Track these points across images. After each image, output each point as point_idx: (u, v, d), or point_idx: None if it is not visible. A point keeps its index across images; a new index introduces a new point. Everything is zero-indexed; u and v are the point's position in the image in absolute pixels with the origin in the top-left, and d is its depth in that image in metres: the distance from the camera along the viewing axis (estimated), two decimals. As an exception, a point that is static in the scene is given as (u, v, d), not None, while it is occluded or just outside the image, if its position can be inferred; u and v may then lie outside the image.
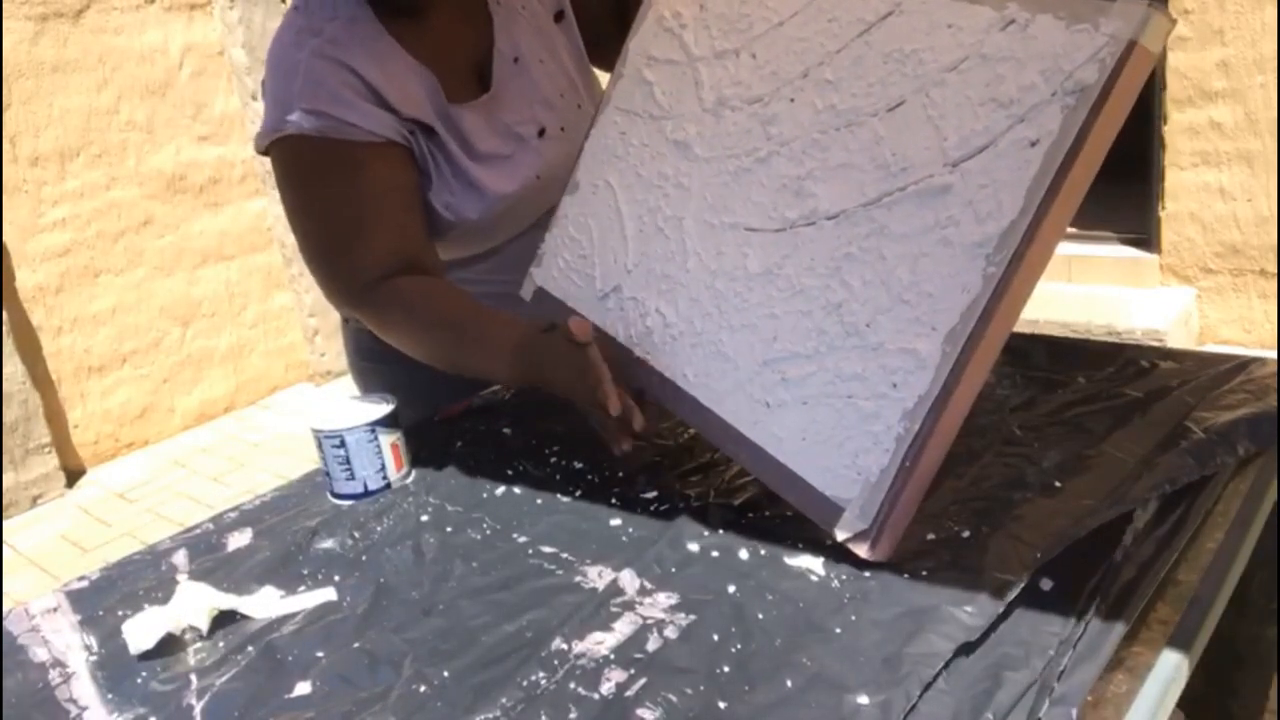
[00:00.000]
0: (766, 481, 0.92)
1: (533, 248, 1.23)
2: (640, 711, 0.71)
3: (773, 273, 0.95)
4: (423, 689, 0.77)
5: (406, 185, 1.17)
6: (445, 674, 0.78)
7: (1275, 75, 2.97)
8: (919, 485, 0.83)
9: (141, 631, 0.85)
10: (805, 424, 0.89)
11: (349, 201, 1.14)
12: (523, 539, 0.97)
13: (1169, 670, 0.71)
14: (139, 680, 0.83)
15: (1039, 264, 0.80)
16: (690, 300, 1.02)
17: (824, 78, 0.95)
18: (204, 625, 0.88)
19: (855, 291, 0.88)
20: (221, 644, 0.87)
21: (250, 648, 0.85)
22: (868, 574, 0.82)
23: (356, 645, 0.84)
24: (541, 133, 1.27)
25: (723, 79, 1.05)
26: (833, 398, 0.87)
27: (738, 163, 1.02)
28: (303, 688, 0.80)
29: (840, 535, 0.83)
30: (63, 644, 0.90)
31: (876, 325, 0.86)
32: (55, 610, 0.96)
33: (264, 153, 1.17)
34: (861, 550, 0.83)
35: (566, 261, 1.17)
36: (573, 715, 0.71)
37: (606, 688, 0.73)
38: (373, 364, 1.40)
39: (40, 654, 0.89)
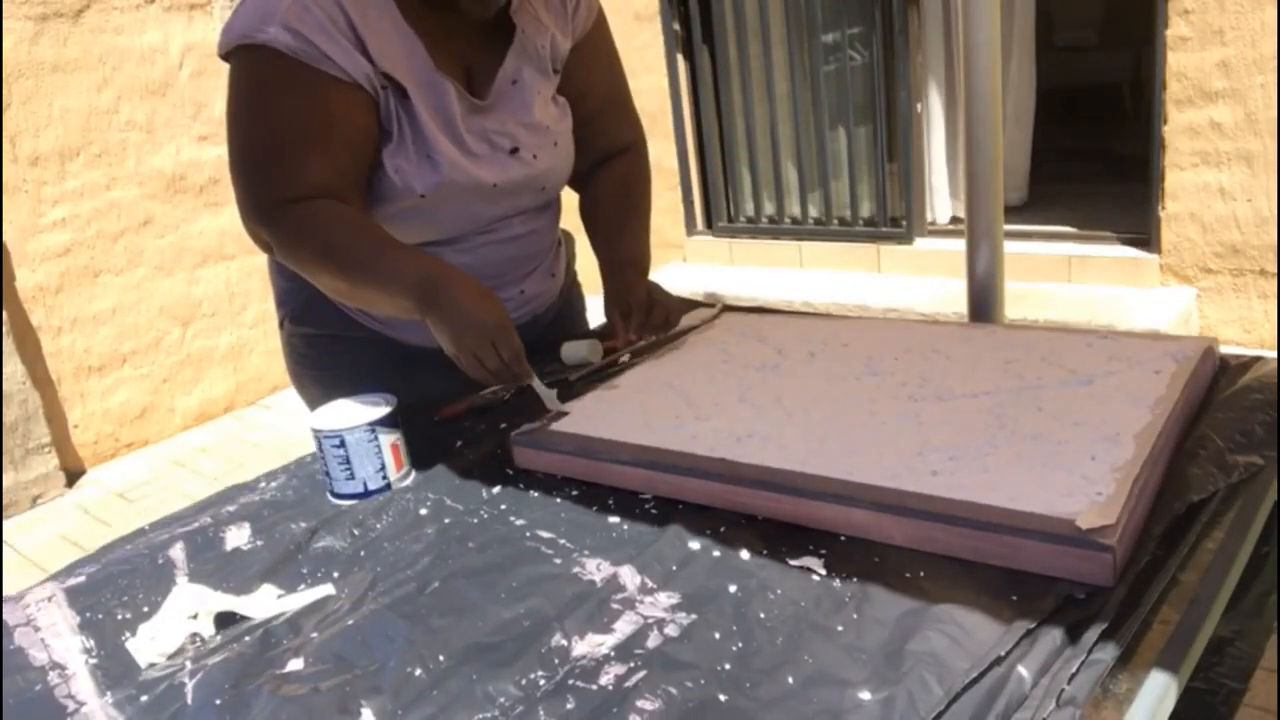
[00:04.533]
0: (937, 534, 0.83)
1: (466, 260, 1.27)
2: (640, 702, 0.71)
3: (915, 417, 1.01)
4: (418, 672, 0.77)
5: (358, 130, 1.17)
6: (441, 658, 0.78)
7: (1275, 75, 2.97)
8: (1142, 513, 0.83)
9: (148, 648, 0.85)
10: (994, 481, 0.86)
11: (297, 121, 1.15)
12: (520, 521, 0.98)
13: (1168, 670, 0.71)
14: (140, 677, 0.83)
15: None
16: (801, 432, 1.01)
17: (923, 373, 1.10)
18: (209, 631, 0.88)
19: (1021, 421, 0.96)
20: (219, 637, 0.87)
21: (247, 638, 0.86)
22: (869, 574, 0.82)
23: (351, 622, 0.84)
24: (514, 151, 1.27)
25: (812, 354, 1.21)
26: (1019, 466, 0.88)
27: (839, 376, 1.13)
28: (295, 664, 0.80)
29: (1085, 524, 0.77)
30: (62, 648, 0.89)
31: (1054, 435, 0.92)
32: (50, 599, 0.96)
33: (225, 57, 1.17)
34: (1110, 539, 0.76)
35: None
36: (570, 706, 0.71)
37: (605, 679, 0.73)
38: (308, 370, 1.40)
39: (39, 657, 0.89)
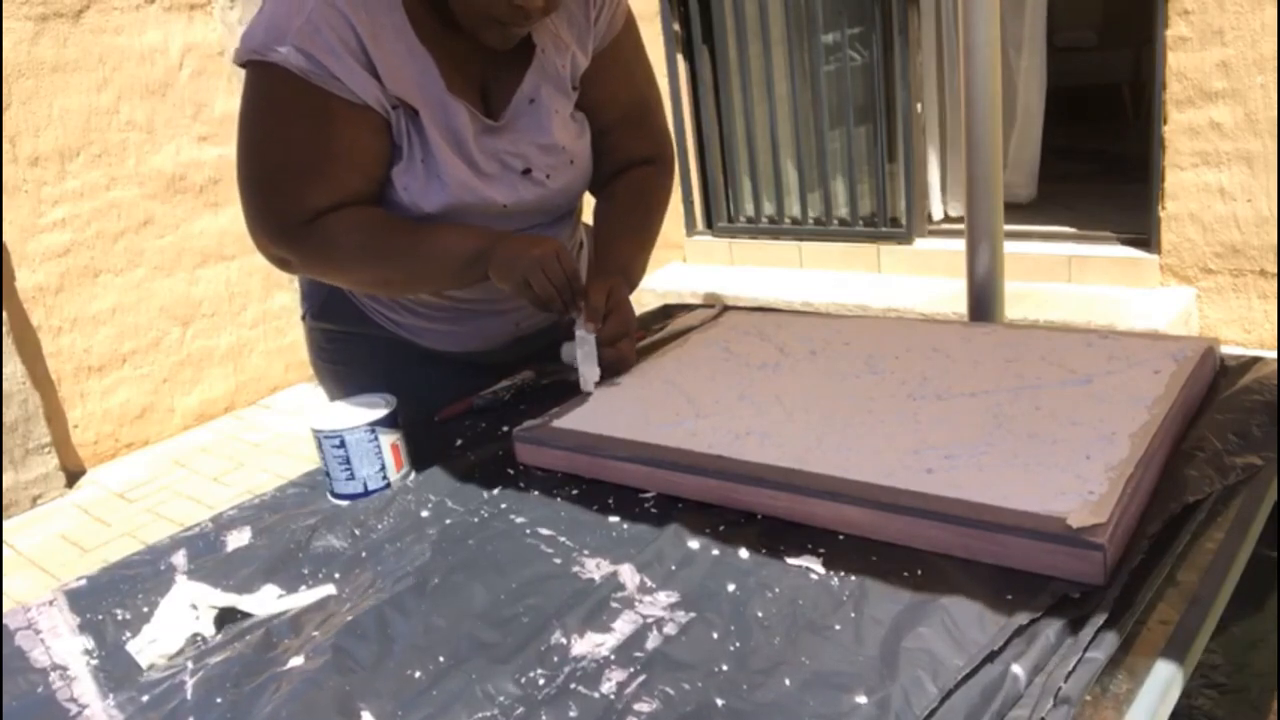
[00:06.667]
0: (934, 533, 0.83)
1: None
2: (638, 705, 0.71)
3: (915, 417, 1.01)
4: (418, 674, 0.77)
5: (366, 152, 1.18)
6: (440, 658, 0.78)
7: (1275, 75, 2.97)
8: (1135, 512, 0.82)
9: (149, 650, 0.85)
10: (989, 479, 0.86)
11: (308, 147, 1.15)
12: (520, 520, 0.98)
13: (1169, 670, 0.71)
14: (141, 678, 0.83)
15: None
16: (799, 430, 1.01)
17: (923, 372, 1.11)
18: (209, 631, 0.88)
19: (1018, 420, 0.96)
20: (220, 636, 0.87)
21: (248, 636, 0.86)
22: (867, 573, 0.82)
23: (351, 619, 0.84)
24: (527, 172, 1.26)
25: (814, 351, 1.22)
26: (1014, 465, 0.88)
27: (839, 373, 1.14)
28: (296, 661, 0.80)
29: (1075, 523, 0.77)
30: (63, 649, 0.89)
31: (1051, 434, 0.92)
32: (52, 603, 0.96)
33: (241, 64, 1.17)
34: (1101, 538, 0.76)
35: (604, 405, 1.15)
36: (573, 714, 0.71)
37: (607, 687, 0.73)
38: (328, 364, 1.43)
39: (41, 659, 0.89)
